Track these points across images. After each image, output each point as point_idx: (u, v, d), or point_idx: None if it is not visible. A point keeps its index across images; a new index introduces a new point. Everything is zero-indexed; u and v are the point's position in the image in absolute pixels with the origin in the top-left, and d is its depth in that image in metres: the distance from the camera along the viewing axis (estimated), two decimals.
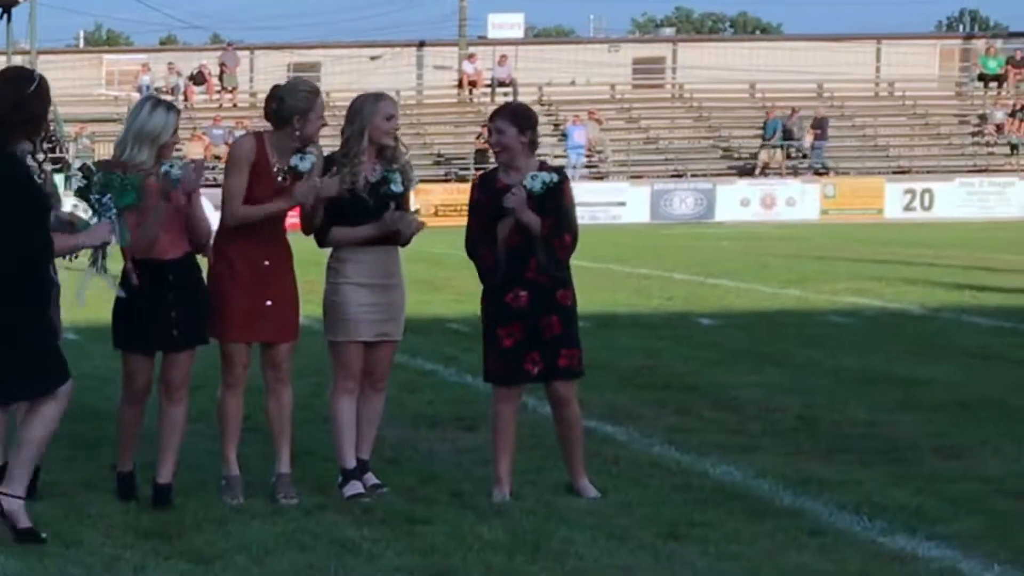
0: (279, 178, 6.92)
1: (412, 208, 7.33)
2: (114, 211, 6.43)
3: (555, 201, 6.80)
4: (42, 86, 6.07)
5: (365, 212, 6.99)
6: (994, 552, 5.89)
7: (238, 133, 7.10)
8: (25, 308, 5.95)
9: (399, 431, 8.59)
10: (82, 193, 6.55)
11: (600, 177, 43.15)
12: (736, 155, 44.47)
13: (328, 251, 7.16)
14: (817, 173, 42.59)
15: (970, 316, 14.58)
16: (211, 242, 6.98)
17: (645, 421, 8.97)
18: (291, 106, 6.90)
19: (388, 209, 7.03)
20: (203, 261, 7.01)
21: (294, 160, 6.90)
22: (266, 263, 6.92)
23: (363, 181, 6.99)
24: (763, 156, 43.32)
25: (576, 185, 38.66)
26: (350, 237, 7.01)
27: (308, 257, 7.30)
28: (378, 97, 7.15)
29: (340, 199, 6.95)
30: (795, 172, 42.92)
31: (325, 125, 7.04)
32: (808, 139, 43.67)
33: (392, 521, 6.48)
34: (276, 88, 7.10)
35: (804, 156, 43.56)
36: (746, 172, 43.26)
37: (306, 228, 7.11)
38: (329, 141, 7.31)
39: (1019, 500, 6.82)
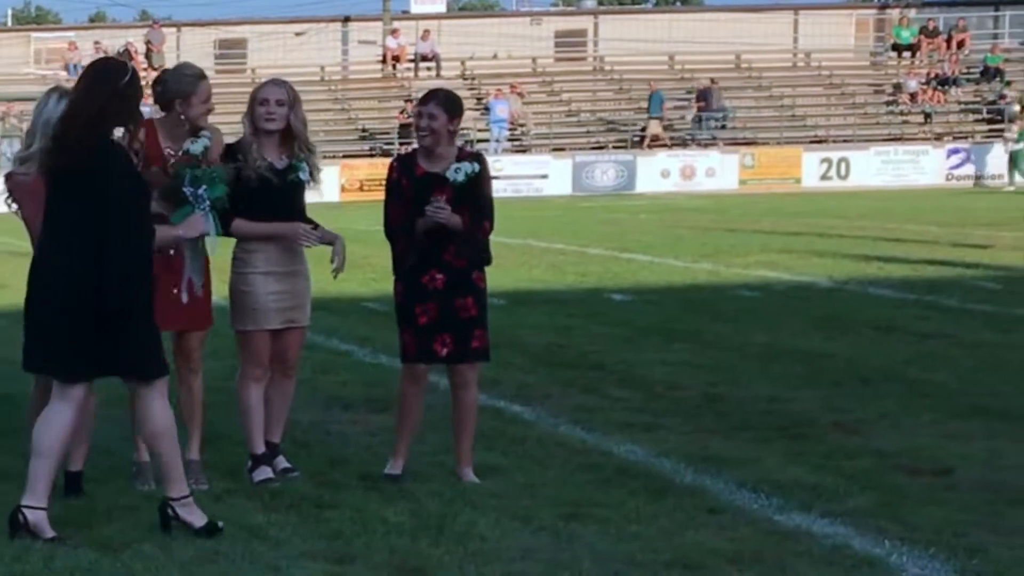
0: (171, 163, 6.93)
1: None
2: (208, 203, 6.59)
3: (475, 188, 6.91)
4: (135, 75, 6.20)
5: (270, 197, 7.01)
6: (885, 528, 6.03)
7: None
8: (136, 294, 6.00)
9: (312, 413, 8.68)
10: (173, 188, 6.65)
11: (523, 150, 43.29)
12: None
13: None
14: (732, 143, 42.96)
15: (876, 288, 14.81)
16: None
17: (553, 400, 9.08)
18: (174, 89, 6.95)
19: (294, 196, 7.09)
20: None
21: (187, 143, 6.93)
22: (171, 251, 6.94)
23: (264, 164, 7.00)
24: (651, 128, 43.63)
25: (499, 158, 38.56)
26: (251, 232, 7.03)
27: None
28: (262, 83, 7.21)
29: (247, 184, 7.00)
30: (702, 144, 43.25)
31: (211, 111, 7.04)
32: (693, 111, 44.06)
33: (300, 506, 6.55)
34: (162, 71, 7.19)
35: (700, 127, 43.89)
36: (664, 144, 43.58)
37: None
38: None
39: (912, 475, 6.97)
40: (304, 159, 7.10)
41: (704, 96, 43.92)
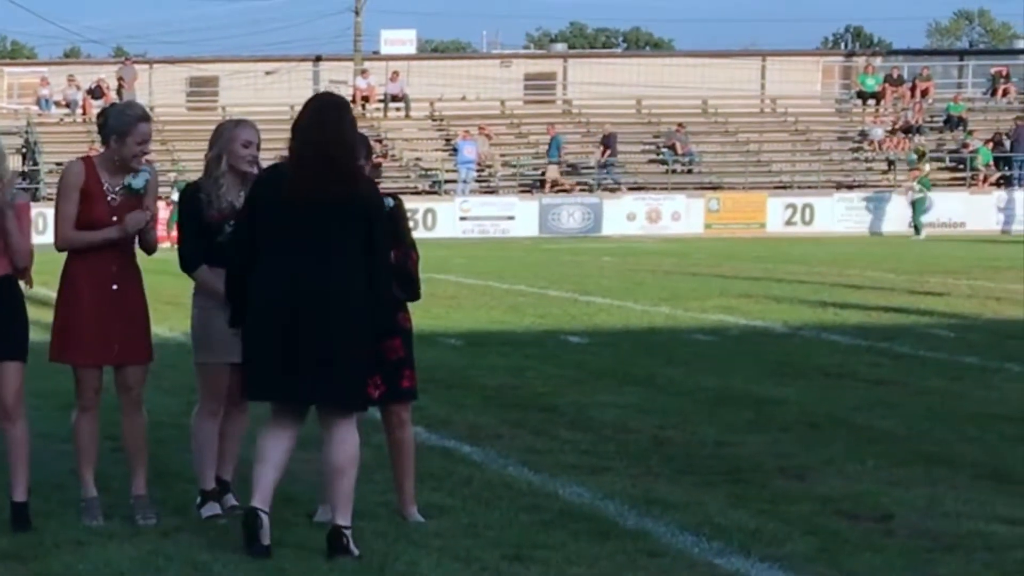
0: (109, 198, 6.99)
1: None
2: None
3: (394, 223, 7.02)
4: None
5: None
6: (822, 573, 6.10)
7: None
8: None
9: None
10: None
11: (490, 191, 43.46)
12: (622, 170, 44.95)
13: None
14: (707, 188, 43.20)
15: (830, 334, 14.92)
16: (31, 266, 7.02)
17: (503, 441, 9.12)
18: (113, 126, 6.98)
19: None
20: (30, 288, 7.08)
21: (128, 178, 6.98)
22: (114, 287, 6.97)
23: (227, 204, 7.09)
24: (550, 173, 43.81)
25: (467, 199, 38.59)
26: (211, 284, 7.01)
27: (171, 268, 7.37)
28: (238, 123, 7.27)
29: (208, 223, 7.06)
30: (668, 187, 43.50)
31: (146, 154, 7.07)
32: (596, 156, 44.35)
33: None
34: (107, 107, 7.25)
35: (604, 173, 44.07)
36: (633, 188, 43.81)
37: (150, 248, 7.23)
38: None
39: (852, 520, 7.03)
40: None
41: (607, 142, 44.21)
